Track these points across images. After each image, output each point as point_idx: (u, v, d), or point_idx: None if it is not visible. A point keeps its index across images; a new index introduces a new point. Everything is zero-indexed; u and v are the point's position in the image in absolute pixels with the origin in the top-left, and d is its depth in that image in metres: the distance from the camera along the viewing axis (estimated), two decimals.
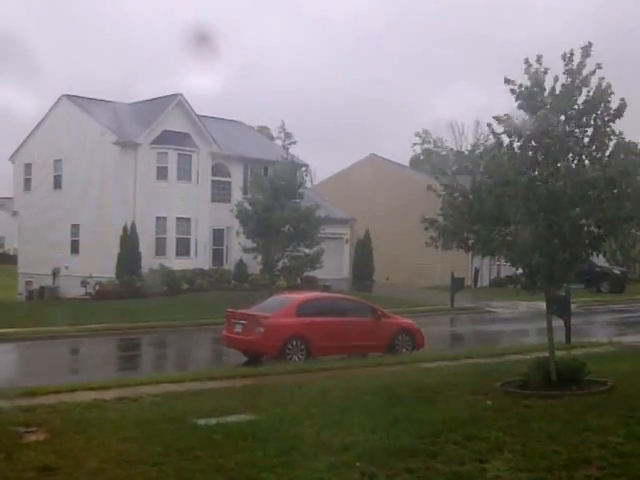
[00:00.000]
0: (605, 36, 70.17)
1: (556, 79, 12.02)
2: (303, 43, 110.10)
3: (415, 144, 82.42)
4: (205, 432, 9.34)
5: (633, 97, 12.88)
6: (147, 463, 8.00)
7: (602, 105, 11.86)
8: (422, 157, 76.73)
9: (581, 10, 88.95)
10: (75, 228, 38.15)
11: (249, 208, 32.86)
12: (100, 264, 34.42)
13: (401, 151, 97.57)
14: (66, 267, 37.44)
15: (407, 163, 70.42)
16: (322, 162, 75.88)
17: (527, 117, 12.08)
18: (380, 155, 53.54)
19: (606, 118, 11.90)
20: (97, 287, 33.60)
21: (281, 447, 8.43)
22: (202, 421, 9.95)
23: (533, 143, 12.09)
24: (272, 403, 11.32)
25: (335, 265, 41.30)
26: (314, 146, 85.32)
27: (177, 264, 34.76)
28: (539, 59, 12.03)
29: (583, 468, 7.63)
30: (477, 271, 45.41)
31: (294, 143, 76.06)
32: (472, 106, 75.10)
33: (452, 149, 74.78)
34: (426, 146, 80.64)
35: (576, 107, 11.92)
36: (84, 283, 34.48)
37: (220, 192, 38.98)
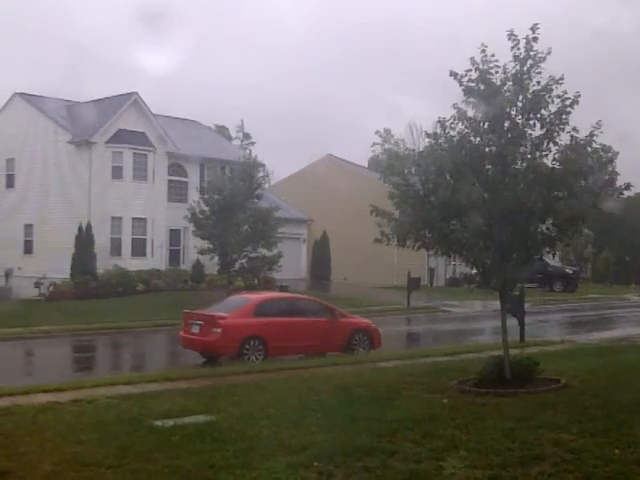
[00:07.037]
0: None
1: (504, 70, 11.83)
2: (261, 43, 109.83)
3: (375, 144, 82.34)
4: (162, 434, 9.27)
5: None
6: (103, 466, 7.91)
7: (553, 95, 11.69)
8: (383, 157, 76.62)
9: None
10: (28, 228, 37.53)
11: (206, 209, 32.52)
12: (54, 265, 33.81)
13: (360, 152, 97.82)
14: (19, 268, 36.75)
15: (365, 164, 70.54)
16: (280, 162, 75.79)
17: (477, 111, 11.91)
18: (337, 155, 53.74)
19: (559, 109, 11.74)
20: (51, 288, 33.03)
21: (239, 448, 8.41)
22: (159, 422, 9.87)
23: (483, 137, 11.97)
24: (230, 404, 11.29)
25: (292, 265, 41.25)
26: (271, 146, 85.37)
27: (133, 264, 34.39)
28: (484, 50, 11.77)
29: (537, 465, 7.75)
30: (433, 271, 45.90)
31: (253, 144, 75.55)
32: (431, 108, 75.76)
33: (412, 149, 74.68)
34: (387, 146, 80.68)
35: (528, 97, 11.76)
36: (38, 284, 33.87)
37: (177, 192, 38.65)
